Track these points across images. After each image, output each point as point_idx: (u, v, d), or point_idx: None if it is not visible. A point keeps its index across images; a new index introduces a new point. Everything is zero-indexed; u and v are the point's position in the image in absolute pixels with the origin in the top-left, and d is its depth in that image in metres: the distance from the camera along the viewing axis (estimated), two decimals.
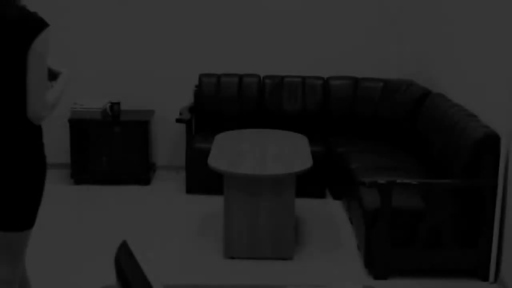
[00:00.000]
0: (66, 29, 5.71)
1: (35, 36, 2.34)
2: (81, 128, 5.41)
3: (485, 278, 3.82)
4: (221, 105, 5.52)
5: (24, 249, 2.55)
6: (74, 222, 4.91)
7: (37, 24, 2.38)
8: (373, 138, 5.30)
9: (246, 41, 5.73)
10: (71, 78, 2.64)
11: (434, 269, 3.89)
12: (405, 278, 3.86)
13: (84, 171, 5.50)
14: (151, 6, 5.68)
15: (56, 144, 5.82)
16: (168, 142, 5.86)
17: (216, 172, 4.02)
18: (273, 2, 5.70)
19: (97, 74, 5.72)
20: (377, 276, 3.84)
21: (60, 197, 5.26)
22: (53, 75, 2.57)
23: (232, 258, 4.09)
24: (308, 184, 4.98)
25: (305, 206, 5.00)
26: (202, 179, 5.16)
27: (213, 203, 4.94)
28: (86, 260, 4.07)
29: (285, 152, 4.40)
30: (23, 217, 2.53)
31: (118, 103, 5.53)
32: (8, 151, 2.42)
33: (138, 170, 5.50)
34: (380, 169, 4.48)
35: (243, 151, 4.36)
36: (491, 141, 3.70)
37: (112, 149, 5.50)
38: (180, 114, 5.42)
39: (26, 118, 2.41)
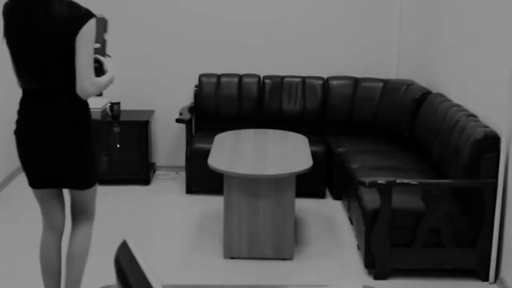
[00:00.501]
0: None
1: (82, 25, 2.77)
2: None
3: (485, 278, 3.82)
4: (221, 105, 5.52)
5: (95, 200, 3.18)
6: None
7: (83, 15, 2.80)
8: (373, 138, 5.30)
9: (246, 41, 5.73)
10: (115, 77, 3.16)
11: (434, 269, 3.89)
12: (405, 278, 3.86)
13: None
14: (151, 6, 5.68)
15: None
16: (168, 142, 5.86)
17: (216, 172, 4.02)
18: (272, 2, 5.70)
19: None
20: (377, 276, 3.84)
21: None
22: (101, 71, 3.07)
23: (232, 258, 4.09)
24: (308, 184, 4.98)
25: (305, 206, 5.00)
26: (202, 179, 5.16)
27: (213, 203, 4.94)
28: None
29: (285, 152, 4.41)
30: (91, 176, 3.07)
31: (118, 103, 5.53)
32: (69, 123, 2.91)
33: (138, 170, 5.51)
34: (380, 169, 4.48)
35: (243, 151, 4.36)
36: (491, 141, 3.70)
37: (112, 149, 5.50)
38: (180, 114, 5.42)
39: (76, 93, 2.86)
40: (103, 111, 5.48)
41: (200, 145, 5.14)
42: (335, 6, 5.69)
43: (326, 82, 5.60)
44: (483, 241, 3.78)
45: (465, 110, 4.24)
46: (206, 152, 4.43)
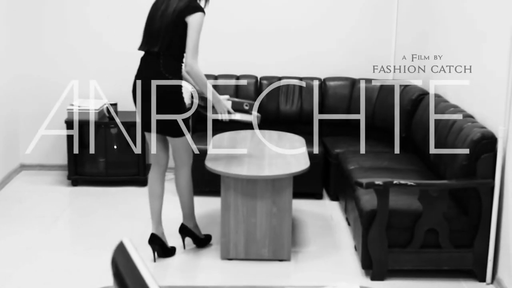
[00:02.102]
0: (65, 30, 5.71)
1: (191, 13, 3.71)
2: (77, 130, 5.39)
3: (482, 279, 3.83)
4: None
5: (189, 147, 3.98)
6: (71, 223, 4.91)
7: (193, 8, 3.73)
8: (370, 139, 5.31)
9: (243, 42, 5.73)
10: (212, 94, 3.92)
11: (431, 270, 3.89)
12: (402, 279, 3.86)
13: (81, 172, 5.50)
14: (149, 7, 5.67)
15: (53, 145, 5.83)
16: None
17: (213, 173, 4.02)
18: (270, 3, 5.71)
19: (94, 75, 5.71)
20: (374, 277, 3.84)
21: (57, 198, 5.26)
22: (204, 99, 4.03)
23: (229, 259, 4.08)
24: (305, 185, 4.98)
25: (302, 207, 5.01)
26: (199, 180, 5.15)
27: (210, 204, 4.93)
28: (83, 262, 4.06)
29: (282, 153, 4.40)
30: (180, 127, 3.85)
31: (115, 104, 5.53)
32: (172, 89, 3.79)
33: (135, 171, 5.50)
34: (377, 170, 4.48)
35: (240, 152, 4.35)
36: (488, 141, 3.71)
37: (109, 150, 5.49)
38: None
39: (179, 67, 3.82)
40: (100, 112, 5.47)
41: (197, 146, 5.12)
42: (332, 7, 5.69)
43: (323, 83, 5.61)
44: (480, 242, 3.79)
45: (462, 111, 4.24)
46: (203, 153, 4.42)
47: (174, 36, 3.75)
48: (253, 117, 4.07)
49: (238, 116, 4.06)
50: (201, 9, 3.75)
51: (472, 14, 4.38)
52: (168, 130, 3.88)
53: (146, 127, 3.93)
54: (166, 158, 4.08)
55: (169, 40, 3.76)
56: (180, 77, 3.84)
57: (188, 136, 3.92)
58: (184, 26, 3.72)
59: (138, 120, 3.98)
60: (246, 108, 4.08)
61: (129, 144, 5.41)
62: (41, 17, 5.70)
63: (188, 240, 4.23)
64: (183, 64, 3.83)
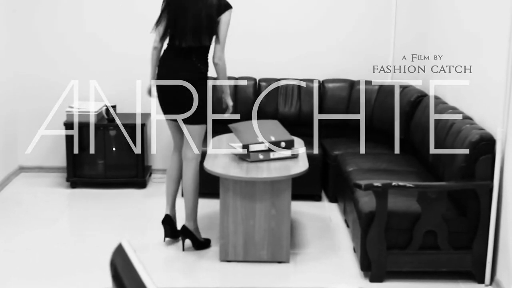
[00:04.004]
0: (64, 30, 5.71)
1: (223, 12, 4.05)
2: (76, 132, 5.39)
3: (480, 280, 3.83)
4: (216, 108, 5.50)
5: (202, 138, 4.25)
6: (70, 225, 4.91)
7: (225, 6, 4.07)
8: (369, 140, 5.31)
9: (242, 44, 5.73)
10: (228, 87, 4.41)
11: (430, 272, 3.89)
12: (401, 280, 3.86)
13: (79, 174, 5.50)
14: (148, 8, 5.67)
15: (52, 147, 5.83)
16: (164, 146, 5.85)
17: (212, 175, 4.02)
18: (268, 5, 5.71)
19: (93, 77, 5.71)
20: (373, 279, 3.84)
21: (56, 200, 5.25)
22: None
23: (228, 261, 4.08)
24: (304, 187, 4.98)
25: (301, 209, 5.01)
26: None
27: (209, 206, 4.93)
28: (81, 264, 4.06)
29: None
30: (204, 115, 4.19)
31: (114, 106, 5.53)
32: (203, 78, 4.16)
33: (133, 173, 5.50)
34: (376, 171, 4.48)
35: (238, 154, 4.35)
36: (487, 143, 3.71)
37: (108, 152, 5.49)
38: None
39: (208, 59, 4.16)
40: (99, 114, 5.47)
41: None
42: (331, 9, 5.70)
43: (322, 84, 5.61)
44: (478, 243, 3.79)
45: (460, 112, 4.25)
46: (202, 155, 4.42)
47: (208, 32, 4.05)
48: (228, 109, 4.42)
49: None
50: (231, 6, 4.09)
51: (470, 16, 4.38)
52: (193, 116, 4.11)
53: (170, 111, 4.20)
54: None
55: (204, 35, 4.05)
56: (208, 69, 4.18)
57: (205, 126, 4.22)
58: (217, 22, 4.05)
59: (156, 116, 4.47)
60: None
61: (127, 146, 5.41)
62: (40, 17, 5.70)
63: (187, 242, 4.23)
64: (209, 56, 4.16)
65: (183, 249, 4.21)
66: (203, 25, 4.02)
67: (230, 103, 4.37)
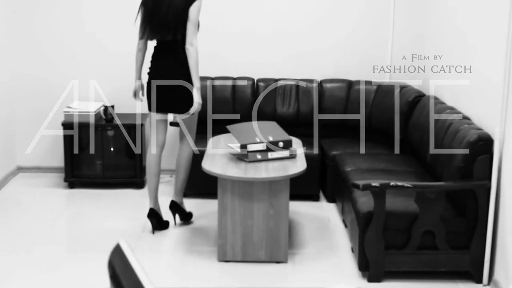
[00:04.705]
0: (64, 30, 5.71)
1: (193, 2, 4.18)
2: (76, 132, 5.39)
3: (478, 280, 3.83)
4: (215, 109, 5.51)
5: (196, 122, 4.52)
6: (68, 226, 4.90)
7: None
8: (367, 140, 5.31)
9: (240, 44, 5.73)
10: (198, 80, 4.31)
11: (428, 272, 3.90)
12: (399, 280, 3.87)
13: (77, 174, 5.49)
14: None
15: (50, 148, 5.82)
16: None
17: (210, 175, 4.02)
18: (267, 5, 5.71)
19: (93, 77, 5.70)
20: (371, 279, 3.84)
21: (54, 200, 5.25)
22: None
23: (226, 261, 4.08)
24: (302, 187, 4.98)
25: (299, 209, 5.01)
26: (196, 182, 5.15)
27: (207, 206, 4.94)
28: (80, 264, 4.06)
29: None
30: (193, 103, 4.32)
31: (112, 106, 5.52)
32: (181, 66, 4.26)
33: (131, 173, 5.50)
34: (374, 171, 4.49)
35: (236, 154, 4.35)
36: (485, 143, 3.72)
37: (106, 152, 5.49)
38: (174, 117, 5.41)
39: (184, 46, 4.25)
40: (97, 115, 5.46)
41: (197, 148, 5.12)
42: (330, 9, 5.70)
43: (320, 85, 5.61)
44: (476, 243, 3.79)
45: (458, 112, 4.25)
46: (200, 155, 4.43)
47: (184, 23, 4.20)
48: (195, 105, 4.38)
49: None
50: None
51: (468, 17, 4.38)
52: (185, 106, 4.32)
53: (160, 107, 4.38)
54: (165, 140, 4.56)
55: (182, 27, 4.21)
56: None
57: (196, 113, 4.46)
58: (190, 11, 4.22)
59: (140, 111, 4.63)
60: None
61: (126, 146, 5.40)
62: (40, 17, 5.69)
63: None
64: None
65: (175, 224, 4.61)
66: (181, 18, 4.19)
67: (196, 99, 4.31)
